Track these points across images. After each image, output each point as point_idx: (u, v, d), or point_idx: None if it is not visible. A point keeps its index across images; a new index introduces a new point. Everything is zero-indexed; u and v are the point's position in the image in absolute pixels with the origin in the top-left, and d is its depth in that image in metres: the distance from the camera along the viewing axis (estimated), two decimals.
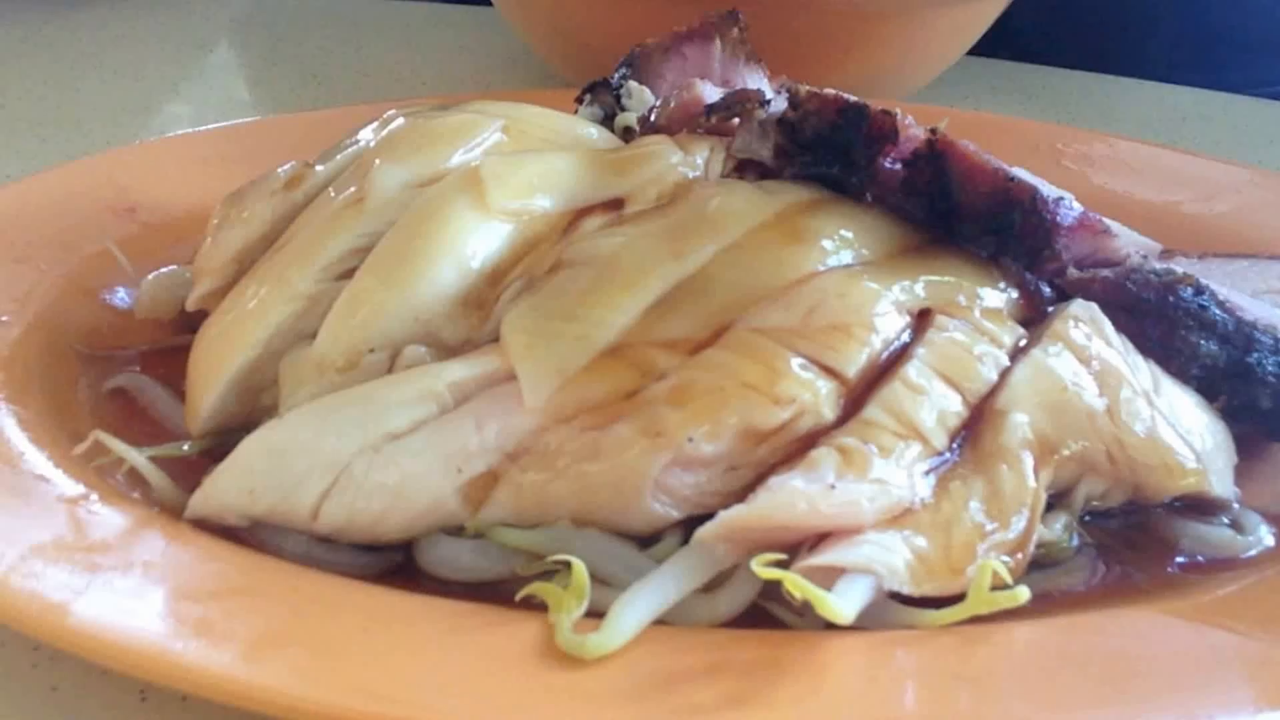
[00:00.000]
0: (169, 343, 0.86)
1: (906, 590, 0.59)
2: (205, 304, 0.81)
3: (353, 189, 0.77)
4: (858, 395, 0.66)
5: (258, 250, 0.80)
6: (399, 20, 1.91)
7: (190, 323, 0.82)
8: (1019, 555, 0.62)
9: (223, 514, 0.66)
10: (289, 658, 0.55)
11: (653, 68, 0.97)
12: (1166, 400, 0.71)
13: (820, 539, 0.61)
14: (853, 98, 0.78)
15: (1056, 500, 0.70)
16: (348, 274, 0.73)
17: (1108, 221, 0.77)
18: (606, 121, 0.93)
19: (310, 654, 0.55)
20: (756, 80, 0.98)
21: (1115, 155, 1.17)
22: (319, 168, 0.82)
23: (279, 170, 0.83)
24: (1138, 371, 0.71)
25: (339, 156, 0.83)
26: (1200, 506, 0.72)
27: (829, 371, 0.66)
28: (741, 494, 0.63)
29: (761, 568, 0.57)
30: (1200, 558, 0.70)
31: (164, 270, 0.88)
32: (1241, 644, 0.59)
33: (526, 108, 0.86)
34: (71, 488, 0.67)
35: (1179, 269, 0.75)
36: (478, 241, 0.73)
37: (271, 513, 0.66)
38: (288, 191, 0.81)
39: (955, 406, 0.67)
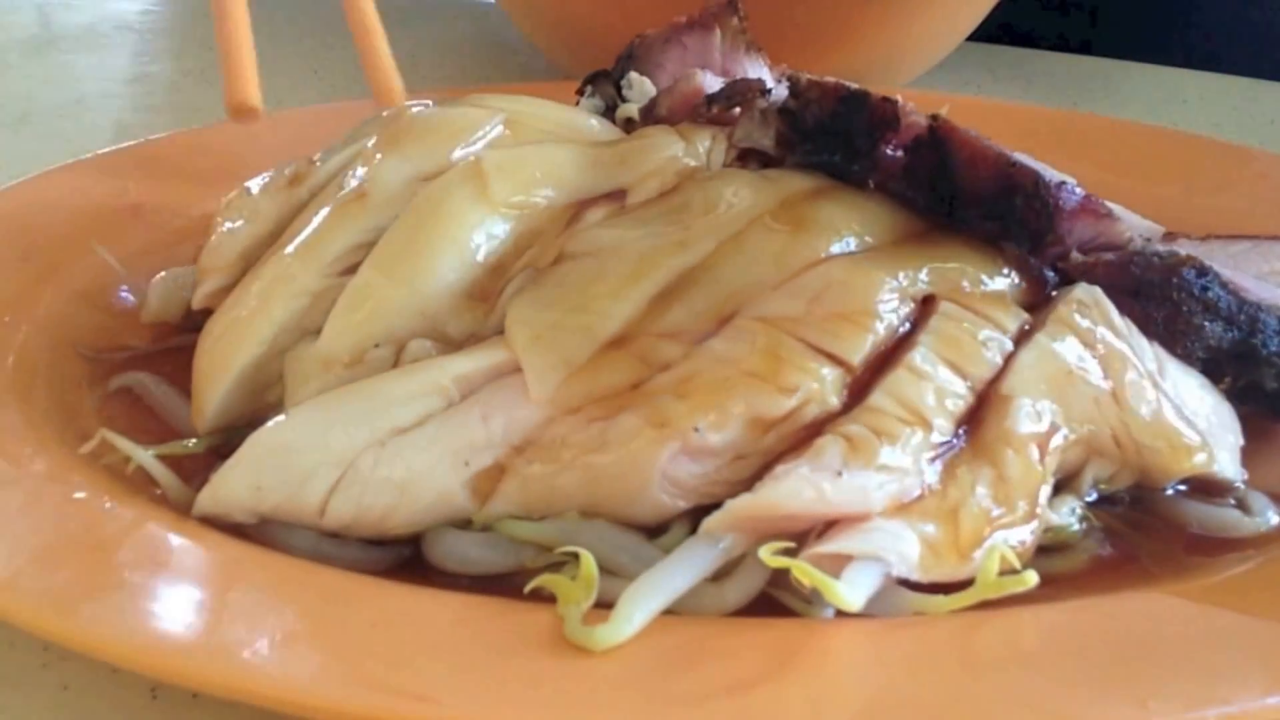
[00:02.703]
0: (174, 341, 0.86)
1: (915, 577, 0.59)
2: (211, 302, 0.81)
3: (355, 184, 0.77)
4: (863, 382, 0.66)
5: (264, 247, 0.80)
6: (398, 14, 1.91)
7: (195, 321, 0.82)
8: (1026, 540, 0.62)
9: (230, 511, 0.66)
10: (298, 654, 0.55)
11: (653, 58, 0.97)
12: (1172, 383, 0.71)
13: (828, 526, 0.61)
14: (853, 85, 0.78)
15: (1063, 484, 0.70)
16: (352, 269, 0.73)
17: (1110, 205, 0.77)
18: (608, 113, 0.93)
19: (320, 649, 0.55)
20: (757, 69, 0.98)
21: (1116, 139, 1.17)
22: (322, 164, 0.82)
23: (283, 167, 0.83)
24: (1142, 354, 0.71)
25: (343, 152, 0.83)
26: (1207, 488, 0.72)
27: (834, 359, 0.66)
28: (748, 483, 0.63)
29: (770, 556, 0.57)
30: (1208, 539, 0.70)
31: (168, 273, 0.88)
32: (1250, 626, 0.59)
33: (528, 100, 0.86)
34: (79, 487, 0.67)
35: (1182, 251, 0.75)
36: (481, 235, 0.73)
37: (279, 509, 0.66)
38: (292, 188, 0.81)
39: (960, 392, 0.67)
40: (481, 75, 1.67)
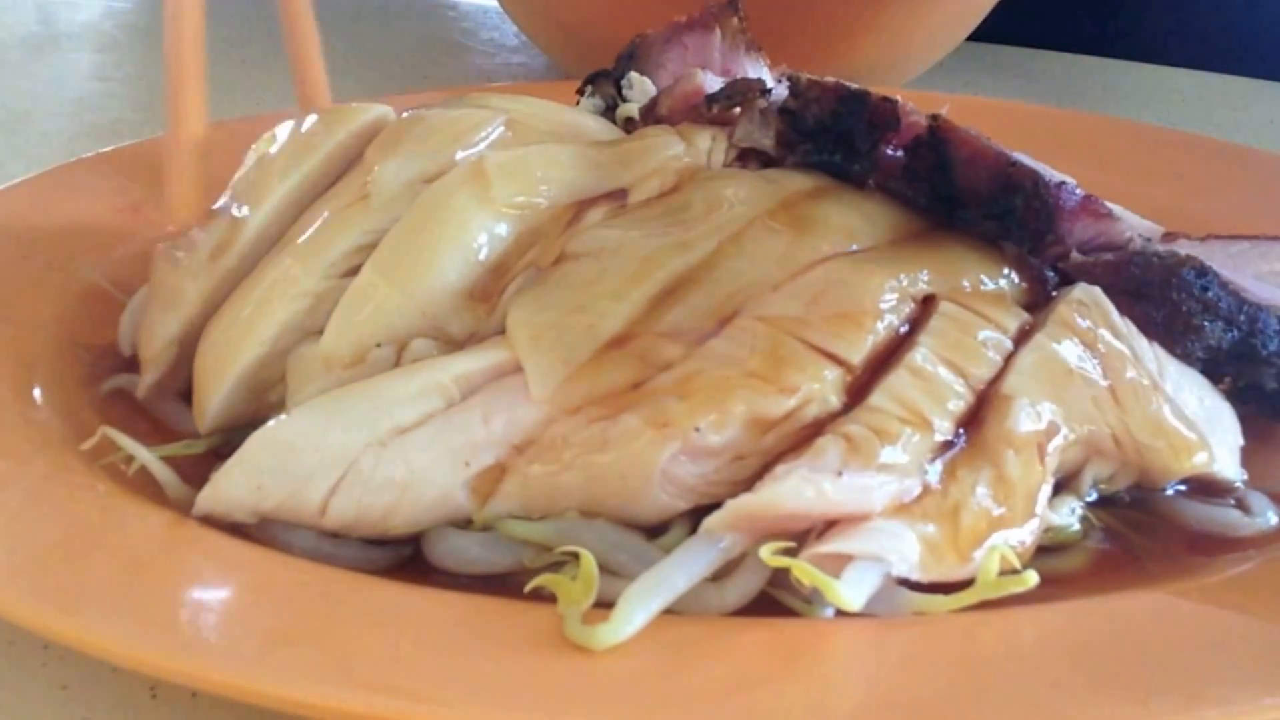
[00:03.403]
0: None
1: (915, 576, 0.60)
2: (156, 392, 0.80)
3: (357, 185, 0.77)
4: (863, 382, 0.66)
5: (198, 326, 0.78)
6: (398, 14, 1.91)
7: None
8: (1026, 540, 0.62)
9: (230, 511, 0.66)
10: (299, 653, 0.55)
11: (654, 58, 0.97)
12: (1171, 383, 0.71)
13: (828, 526, 0.61)
14: (853, 85, 0.78)
15: (1063, 484, 0.70)
16: (353, 271, 0.73)
17: (1110, 205, 0.77)
18: (608, 113, 0.93)
19: (320, 649, 0.55)
20: (757, 69, 0.98)
21: (1116, 139, 1.17)
22: (248, 222, 0.79)
23: (202, 234, 0.81)
24: (1142, 354, 0.71)
25: (265, 206, 0.80)
26: (1207, 488, 0.72)
27: (834, 359, 0.66)
28: (748, 483, 0.63)
29: (770, 555, 0.57)
30: (1208, 539, 0.70)
31: (132, 303, 0.86)
32: (1250, 626, 0.59)
33: (528, 100, 0.85)
34: (79, 487, 0.67)
35: (1182, 251, 0.75)
36: (483, 235, 0.73)
37: (279, 509, 0.66)
38: (215, 261, 0.79)
39: (960, 392, 0.67)
40: (481, 75, 1.66)
